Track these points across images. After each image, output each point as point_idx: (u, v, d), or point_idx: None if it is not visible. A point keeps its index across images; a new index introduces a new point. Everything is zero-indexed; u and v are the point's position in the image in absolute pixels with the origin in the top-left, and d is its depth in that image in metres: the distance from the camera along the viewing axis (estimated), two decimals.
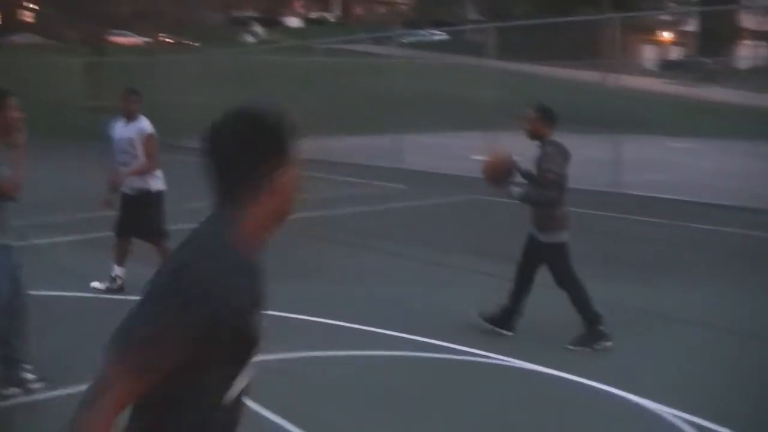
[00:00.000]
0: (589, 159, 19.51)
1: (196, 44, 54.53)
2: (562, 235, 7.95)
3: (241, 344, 2.27)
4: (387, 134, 24.45)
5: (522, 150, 8.18)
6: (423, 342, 7.88)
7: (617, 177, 18.31)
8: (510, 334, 8.11)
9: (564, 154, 7.94)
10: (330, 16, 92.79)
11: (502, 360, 7.48)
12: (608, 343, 7.78)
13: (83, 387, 2.27)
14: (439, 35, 53.90)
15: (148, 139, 9.85)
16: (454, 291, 9.31)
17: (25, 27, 72.71)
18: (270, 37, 70.62)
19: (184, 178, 22.17)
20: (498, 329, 8.13)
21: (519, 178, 7.95)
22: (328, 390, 6.80)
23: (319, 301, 9.41)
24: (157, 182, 10.11)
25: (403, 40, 50.13)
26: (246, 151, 2.20)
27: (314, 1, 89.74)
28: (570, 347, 7.75)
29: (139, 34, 59.02)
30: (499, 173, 7.96)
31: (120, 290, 9.88)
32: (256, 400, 6.35)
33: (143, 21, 51.43)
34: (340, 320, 8.56)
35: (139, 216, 9.95)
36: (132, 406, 2.25)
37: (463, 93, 30.04)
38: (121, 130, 9.92)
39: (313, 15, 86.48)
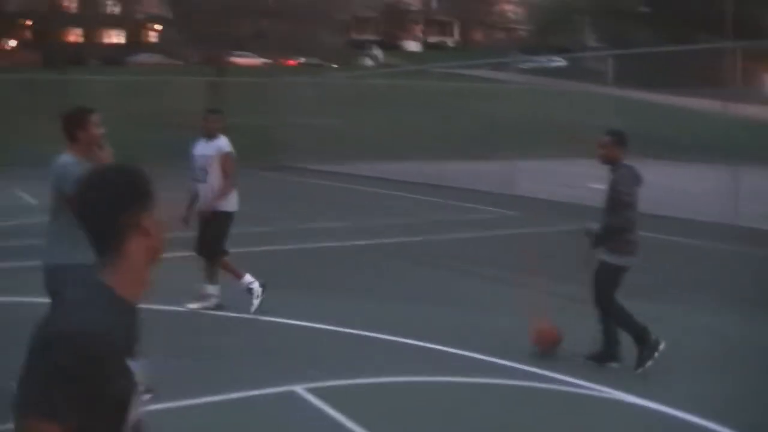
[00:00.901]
0: (707, 190, 19.20)
1: (335, 65, 55.38)
2: (626, 260, 7.95)
3: (115, 394, 2.32)
4: (501, 160, 24.36)
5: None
6: (530, 372, 7.82)
7: (735, 208, 17.90)
8: (617, 365, 8.01)
9: (636, 178, 7.99)
10: (449, 41, 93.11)
11: (609, 393, 7.39)
12: (661, 346, 7.78)
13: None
14: (557, 62, 53.57)
15: (225, 157, 10.02)
16: (565, 321, 9.16)
17: (149, 47, 74.60)
18: (389, 60, 71.17)
19: (299, 199, 22.55)
20: (604, 363, 8.04)
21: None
22: (428, 416, 6.83)
23: (423, 325, 9.42)
24: (228, 203, 10.20)
25: (521, 66, 50.03)
26: (114, 202, 2.42)
27: (434, 26, 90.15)
28: (637, 372, 7.76)
29: (260, 55, 60.13)
30: (550, 343, 8.22)
31: (219, 307, 10.11)
32: (358, 421, 6.44)
33: (264, 42, 52.36)
34: (442, 345, 8.57)
35: (206, 233, 10.16)
36: None
37: (579, 120, 29.83)
38: (200, 147, 10.16)
39: (433, 40, 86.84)
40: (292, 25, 47.51)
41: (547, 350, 8.20)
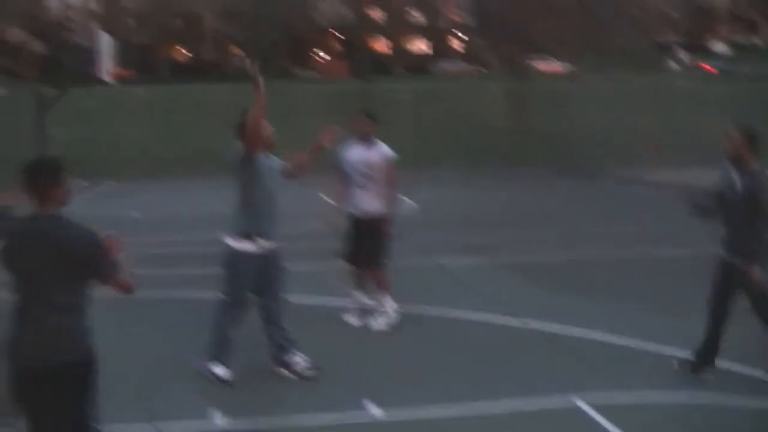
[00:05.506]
0: None
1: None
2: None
3: None
4: None
5: None
6: None
7: None
8: None
9: None
10: (758, 40, 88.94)
11: None
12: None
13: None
14: None
15: (392, 164, 9.81)
16: None
17: (453, 54, 75.93)
18: (694, 63, 68.92)
19: (592, 204, 22.28)
20: None
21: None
22: None
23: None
24: (396, 207, 10.00)
25: None
26: None
27: (741, 24, 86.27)
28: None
29: (561, 59, 59.82)
30: None
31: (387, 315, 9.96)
32: None
33: (565, 47, 52.05)
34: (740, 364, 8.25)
35: (364, 241, 9.85)
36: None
37: None
38: (358, 152, 9.85)
39: (741, 40, 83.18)
40: (594, 28, 46.91)
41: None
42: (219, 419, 6.99)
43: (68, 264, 4.76)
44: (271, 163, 7.90)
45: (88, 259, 4.79)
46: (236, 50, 77.88)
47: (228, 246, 7.80)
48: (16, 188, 5.02)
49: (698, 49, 79.64)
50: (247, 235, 7.70)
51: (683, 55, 74.87)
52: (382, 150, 9.86)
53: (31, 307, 4.82)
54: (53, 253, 4.74)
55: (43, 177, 4.85)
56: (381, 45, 75.07)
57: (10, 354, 4.82)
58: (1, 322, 4.97)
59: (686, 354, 8.05)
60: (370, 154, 9.79)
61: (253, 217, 7.73)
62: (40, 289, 4.80)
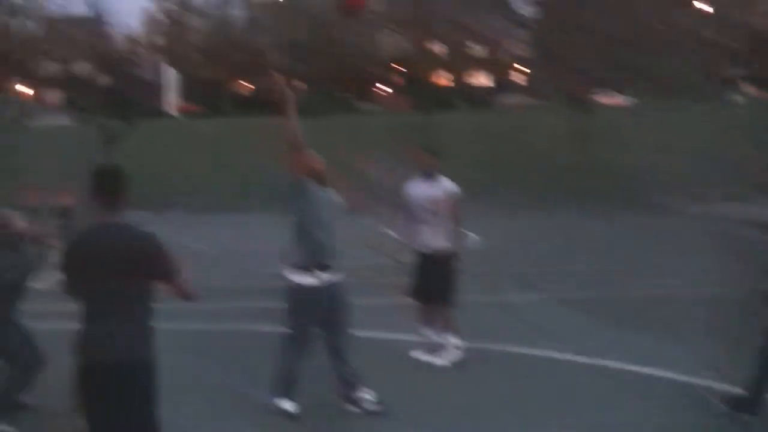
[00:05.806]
0: None
1: None
2: None
3: None
4: None
5: None
6: None
7: None
8: None
9: None
10: None
11: None
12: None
13: None
14: None
15: (458, 200, 9.62)
16: None
17: (516, 88, 75.88)
18: (761, 96, 68.13)
19: (663, 239, 21.93)
20: None
21: None
22: None
23: None
24: (462, 243, 9.75)
25: None
26: None
27: None
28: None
29: (623, 93, 59.55)
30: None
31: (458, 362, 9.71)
32: None
33: (627, 80, 51.78)
34: None
35: (431, 277, 9.65)
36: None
37: None
38: (421, 188, 9.70)
39: None
40: (655, 62, 46.67)
41: None
42: None
43: (134, 268, 5.03)
44: (327, 195, 7.88)
45: (151, 260, 5.08)
46: (300, 84, 78.63)
47: (289, 280, 7.79)
48: (74, 189, 5.29)
49: (762, 81, 78.67)
50: (307, 268, 7.68)
51: (747, 88, 74.00)
52: (446, 185, 9.70)
53: (98, 311, 5.05)
54: (121, 261, 5.01)
55: (111, 183, 5.19)
56: (442, 78, 75.26)
57: (76, 352, 5.05)
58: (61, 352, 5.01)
59: (736, 390, 7.87)
60: (433, 190, 9.64)
61: (310, 250, 7.70)
62: (107, 295, 5.03)
